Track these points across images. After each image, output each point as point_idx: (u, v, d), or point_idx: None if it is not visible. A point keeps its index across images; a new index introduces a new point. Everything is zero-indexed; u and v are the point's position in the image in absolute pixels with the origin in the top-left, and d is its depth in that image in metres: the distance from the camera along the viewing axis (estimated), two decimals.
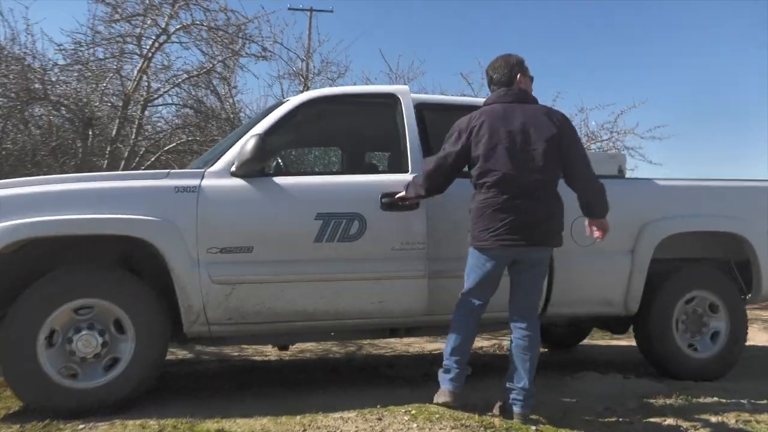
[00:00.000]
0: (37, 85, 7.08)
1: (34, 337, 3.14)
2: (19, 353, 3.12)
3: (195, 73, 8.02)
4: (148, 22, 7.44)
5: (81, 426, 2.98)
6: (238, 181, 3.43)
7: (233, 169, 3.43)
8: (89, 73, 7.54)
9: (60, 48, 7.23)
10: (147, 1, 7.38)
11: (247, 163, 3.38)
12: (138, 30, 7.51)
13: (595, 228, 3.27)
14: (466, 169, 3.25)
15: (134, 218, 3.24)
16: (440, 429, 2.96)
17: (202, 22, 7.63)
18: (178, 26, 7.60)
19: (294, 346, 5.06)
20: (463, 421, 3.04)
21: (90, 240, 3.32)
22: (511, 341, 3.23)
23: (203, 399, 3.62)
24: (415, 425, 3.00)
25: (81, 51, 7.37)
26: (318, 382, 4.12)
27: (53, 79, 7.32)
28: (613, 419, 3.27)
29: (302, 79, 9.35)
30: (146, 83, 7.79)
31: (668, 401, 3.56)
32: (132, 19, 7.46)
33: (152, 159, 7.82)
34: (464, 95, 9.13)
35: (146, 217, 3.25)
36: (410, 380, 4.19)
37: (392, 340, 5.39)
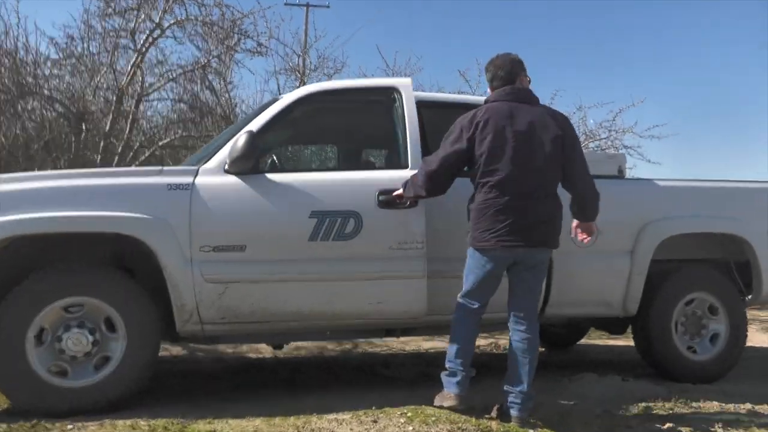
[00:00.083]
0: (29, 79, 7.01)
1: (23, 335, 3.08)
2: (8, 351, 3.06)
3: (190, 68, 7.94)
4: (142, 16, 7.38)
5: (70, 426, 2.92)
6: (232, 179, 3.36)
7: (227, 166, 3.37)
8: (83, 68, 7.46)
9: (52, 41, 7.17)
10: None
11: (238, 160, 3.31)
12: (132, 24, 7.44)
13: (580, 231, 3.27)
14: (465, 168, 3.19)
15: (125, 216, 3.17)
16: None
17: (197, 17, 7.57)
18: (172, 21, 7.53)
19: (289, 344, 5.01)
20: (460, 425, 2.99)
21: (81, 238, 3.25)
22: (510, 343, 3.18)
23: (196, 399, 3.57)
24: (410, 428, 2.95)
25: (74, 45, 7.30)
26: (313, 382, 4.08)
27: (46, 73, 7.25)
28: (612, 423, 3.22)
29: (299, 75, 9.29)
30: (140, 78, 7.71)
31: (667, 404, 3.52)
32: (125, 14, 7.39)
33: (147, 154, 7.75)
34: (461, 93, 9.08)
35: (138, 215, 3.18)
36: (406, 380, 4.15)
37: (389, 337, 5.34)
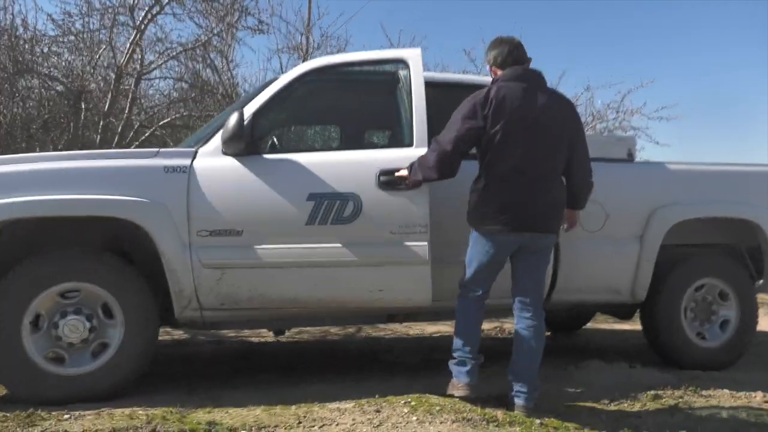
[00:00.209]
0: (27, 56, 6.89)
1: (19, 321, 3.02)
2: (3, 337, 3.00)
3: (190, 46, 7.80)
4: None
5: (66, 415, 2.85)
6: (229, 161, 3.24)
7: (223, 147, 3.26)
8: (81, 45, 7.33)
9: (50, 17, 7.02)
10: None
11: (229, 141, 3.17)
12: (130, 1, 7.29)
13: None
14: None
15: (122, 199, 3.08)
16: (441, 422, 2.83)
17: None
18: None
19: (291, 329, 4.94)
20: (465, 414, 2.91)
21: (77, 222, 3.16)
22: (515, 330, 3.10)
23: (195, 385, 3.50)
24: (414, 418, 2.88)
25: (71, 22, 7.15)
26: (315, 368, 4.01)
27: (44, 50, 7.12)
28: (620, 412, 3.15)
29: (302, 53, 9.12)
30: (140, 56, 7.57)
31: (677, 393, 3.44)
32: None
33: (147, 133, 7.64)
34: (466, 72, 8.93)
35: (134, 198, 3.09)
36: (410, 367, 4.08)
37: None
